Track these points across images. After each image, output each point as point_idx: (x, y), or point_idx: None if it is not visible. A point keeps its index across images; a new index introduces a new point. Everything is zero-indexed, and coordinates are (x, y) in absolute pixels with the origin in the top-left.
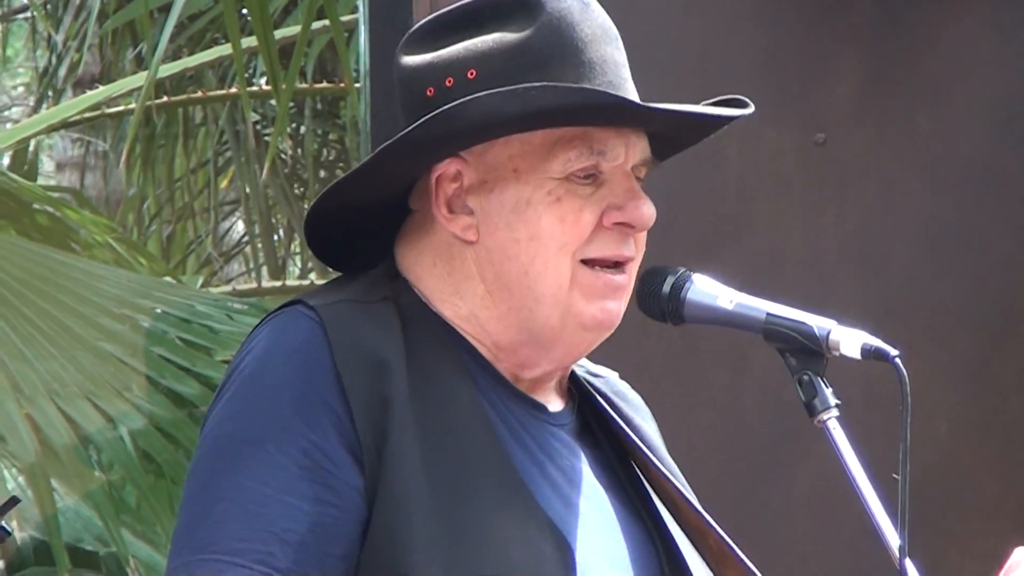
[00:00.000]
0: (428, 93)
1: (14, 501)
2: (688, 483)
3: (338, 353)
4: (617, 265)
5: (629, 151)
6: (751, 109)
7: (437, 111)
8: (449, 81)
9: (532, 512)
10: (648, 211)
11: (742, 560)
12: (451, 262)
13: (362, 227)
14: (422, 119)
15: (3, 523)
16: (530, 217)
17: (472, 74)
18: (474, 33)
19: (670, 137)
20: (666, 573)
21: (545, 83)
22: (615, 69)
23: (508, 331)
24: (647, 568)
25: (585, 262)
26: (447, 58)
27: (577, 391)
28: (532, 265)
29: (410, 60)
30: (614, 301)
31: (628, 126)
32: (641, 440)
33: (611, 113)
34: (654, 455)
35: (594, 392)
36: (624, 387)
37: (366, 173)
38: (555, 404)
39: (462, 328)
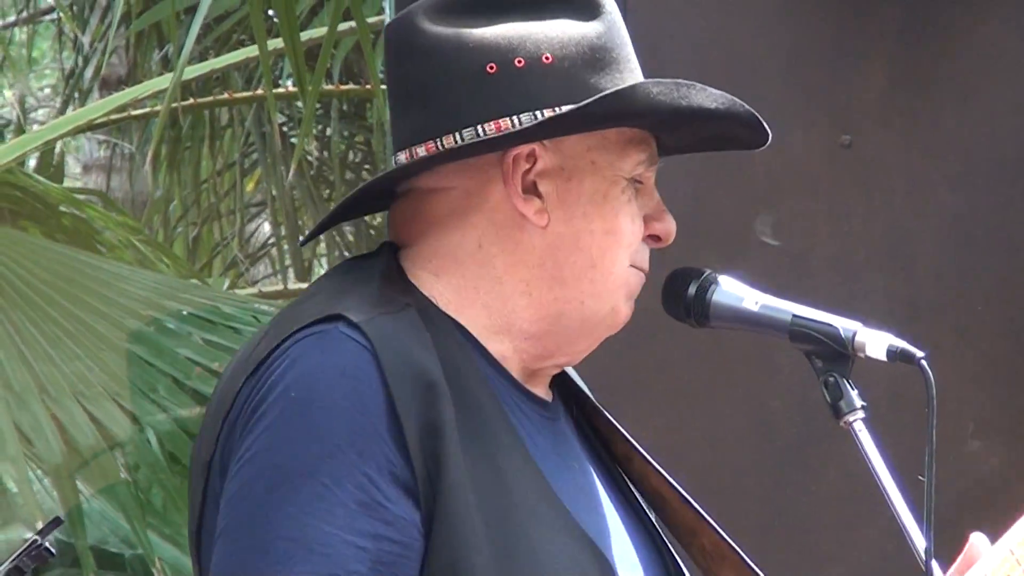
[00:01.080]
0: (489, 70)
1: (57, 522)
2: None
3: (391, 379)
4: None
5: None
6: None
7: (611, 91)
8: (520, 62)
9: (570, 528)
10: (675, 227)
11: (742, 558)
12: (503, 244)
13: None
14: (596, 97)
15: (47, 544)
16: (607, 212)
17: (548, 59)
18: (522, 16)
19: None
20: (671, 573)
21: (696, 83)
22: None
23: (542, 321)
24: (656, 569)
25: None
26: (510, 38)
27: (556, 378)
28: (602, 259)
29: (450, 32)
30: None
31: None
32: (617, 424)
33: (737, 124)
34: (633, 441)
35: (568, 377)
36: None
37: (476, 146)
38: (548, 395)
39: (475, 328)
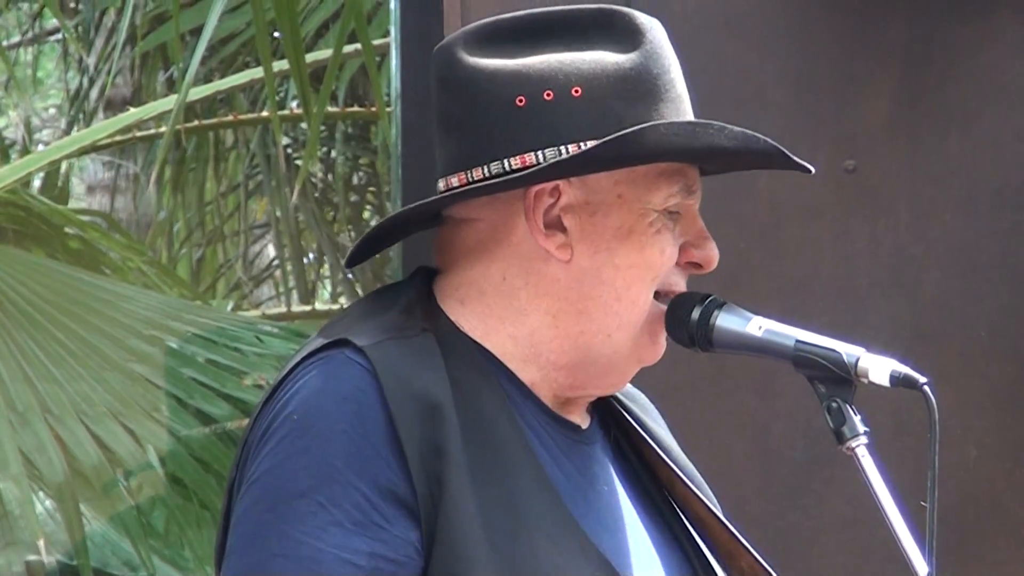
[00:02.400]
0: (518, 102)
1: None
2: (722, 510)
3: (392, 400)
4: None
5: (700, 190)
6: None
7: (622, 133)
8: (548, 94)
9: (586, 551)
10: (717, 254)
11: None
12: (527, 277)
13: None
14: (605, 139)
15: None
16: (631, 246)
17: (577, 92)
18: (561, 46)
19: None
20: None
21: (714, 122)
22: (687, 102)
23: (569, 353)
24: None
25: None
26: (541, 70)
27: (599, 402)
28: (627, 292)
29: (485, 63)
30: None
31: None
32: (662, 449)
33: (761, 159)
34: (677, 467)
35: (614, 402)
36: (631, 388)
37: (491, 186)
38: (584, 420)
39: (503, 355)
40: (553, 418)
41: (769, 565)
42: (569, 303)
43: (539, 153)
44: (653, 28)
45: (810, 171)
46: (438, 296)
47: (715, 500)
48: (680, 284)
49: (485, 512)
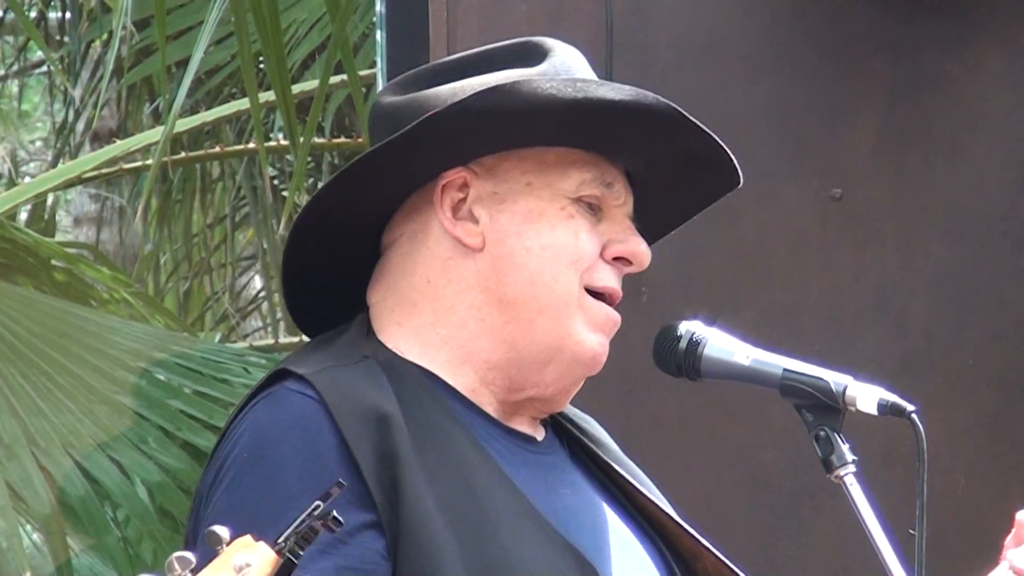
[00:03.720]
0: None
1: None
2: (706, 536)
3: (339, 417)
4: (612, 303)
5: (627, 196)
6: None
7: (497, 84)
8: None
9: (551, 538)
10: (647, 251)
11: None
12: (448, 274)
13: (330, 278)
14: (479, 91)
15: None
16: (543, 228)
17: None
18: (476, 74)
19: (646, 194)
20: None
21: (601, 80)
22: None
23: (499, 348)
24: None
25: (589, 291)
26: (452, 88)
27: (550, 420)
28: (541, 275)
29: (401, 98)
30: (608, 338)
31: (637, 141)
32: (614, 460)
33: (656, 118)
34: (630, 475)
35: (562, 420)
36: (576, 410)
37: (379, 161)
38: (538, 432)
39: (443, 369)
40: (500, 428)
41: (733, 564)
42: (490, 293)
43: None
44: (567, 48)
45: (738, 179)
46: (377, 330)
47: (671, 507)
48: (610, 280)
49: (446, 508)
